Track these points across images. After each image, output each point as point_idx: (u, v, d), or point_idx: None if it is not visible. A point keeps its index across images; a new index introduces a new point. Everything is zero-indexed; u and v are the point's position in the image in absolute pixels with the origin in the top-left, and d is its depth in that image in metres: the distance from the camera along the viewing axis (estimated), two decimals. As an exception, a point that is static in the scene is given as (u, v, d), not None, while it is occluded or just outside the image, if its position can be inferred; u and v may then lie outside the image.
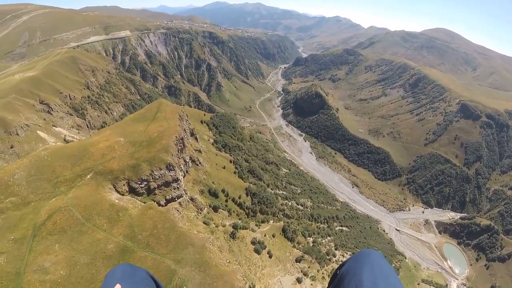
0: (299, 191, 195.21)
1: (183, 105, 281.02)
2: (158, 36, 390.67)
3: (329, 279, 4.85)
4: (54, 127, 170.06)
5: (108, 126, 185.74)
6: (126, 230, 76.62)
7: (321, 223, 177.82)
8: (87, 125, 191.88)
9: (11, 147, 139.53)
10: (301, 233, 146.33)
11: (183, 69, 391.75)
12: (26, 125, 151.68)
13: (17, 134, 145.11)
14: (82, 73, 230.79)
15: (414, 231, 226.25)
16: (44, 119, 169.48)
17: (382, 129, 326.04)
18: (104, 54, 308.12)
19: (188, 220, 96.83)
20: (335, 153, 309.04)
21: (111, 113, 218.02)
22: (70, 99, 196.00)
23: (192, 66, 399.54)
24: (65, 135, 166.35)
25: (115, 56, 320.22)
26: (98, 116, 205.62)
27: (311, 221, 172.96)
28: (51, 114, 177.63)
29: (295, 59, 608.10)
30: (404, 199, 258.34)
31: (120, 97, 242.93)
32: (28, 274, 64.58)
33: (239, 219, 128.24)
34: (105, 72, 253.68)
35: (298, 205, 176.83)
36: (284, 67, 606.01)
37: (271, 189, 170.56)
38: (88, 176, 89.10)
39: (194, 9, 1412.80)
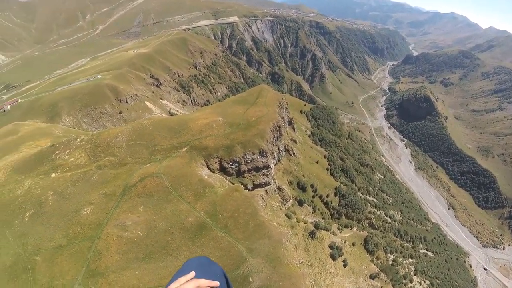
0: (390, 201, 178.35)
1: (285, 93, 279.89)
2: (265, 23, 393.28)
3: None
4: (161, 100, 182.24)
5: (211, 104, 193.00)
6: (208, 206, 75.92)
7: (406, 242, 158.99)
8: (191, 102, 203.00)
9: (120, 113, 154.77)
10: (383, 248, 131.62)
11: (288, 58, 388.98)
12: (136, 95, 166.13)
13: (127, 102, 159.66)
14: (191, 54, 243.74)
15: (502, 275, 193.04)
16: (153, 92, 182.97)
17: (493, 148, 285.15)
18: (213, 38, 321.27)
19: (271, 210, 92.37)
20: (437, 167, 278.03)
21: (214, 93, 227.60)
22: (178, 76, 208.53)
23: (297, 55, 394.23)
24: (170, 108, 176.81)
25: (223, 40, 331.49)
26: (203, 95, 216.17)
27: (396, 236, 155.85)
28: (159, 88, 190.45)
29: (405, 57, 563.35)
30: (501, 235, 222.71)
31: (224, 79, 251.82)
32: (109, 227, 69.06)
33: (322, 219, 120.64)
34: (213, 55, 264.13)
35: (386, 216, 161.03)
36: (393, 64, 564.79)
37: (362, 194, 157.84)
38: (184, 149, 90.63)
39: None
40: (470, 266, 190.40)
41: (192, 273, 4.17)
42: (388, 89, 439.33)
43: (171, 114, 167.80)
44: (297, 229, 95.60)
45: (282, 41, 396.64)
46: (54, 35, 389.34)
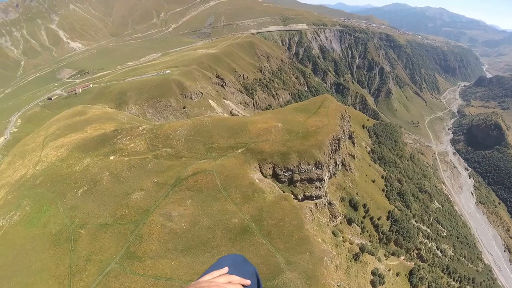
0: (444, 233, 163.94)
1: (348, 105, 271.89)
2: (333, 32, 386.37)
3: None
4: (224, 100, 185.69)
5: (272, 109, 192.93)
6: (255, 211, 74.34)
7: (454, 280, 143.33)
8: (253, 104, 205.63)
9: (183, 108, 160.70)
10: (428, 283, 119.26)
11: (354, 69, 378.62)
12: (200, 92, 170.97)
13: (191, 98, 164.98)
14: (257, 58, 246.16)
15: None
16: (217, 91, 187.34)
17: None
18: (280, 44, 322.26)
19: (318, 224, 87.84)
20: (499, 203, 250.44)
21: (277, 98, 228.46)
22: (243, 78, 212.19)
23: (364, 67, 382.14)
24: (232, 109, 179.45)
25: (290, 46, 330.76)
26: (265, 99, 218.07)
27: (444, 273, 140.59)
28: (224, 88, 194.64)
29: (478, 78, 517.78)
30: None
31: (288, 85, 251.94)
32: (154, 215, 70.44)
33: (370, 242, 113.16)
34: (279, 60, 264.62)
35: (437, 249, 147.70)
36: (464, 85, 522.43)
37: (415, 221, 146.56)
38: (239, 151, 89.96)
39: (372, 9, 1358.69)
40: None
41: (226, 269, 4.25)
42: (457, 111, 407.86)
43: (232, 115, 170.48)
44: (342, 248, 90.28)
45: (349, 51, 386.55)
46: (129, 30, 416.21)
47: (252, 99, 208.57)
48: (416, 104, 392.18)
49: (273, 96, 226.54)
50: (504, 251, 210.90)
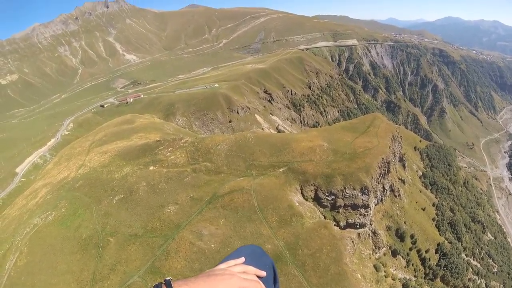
0: (495, 269, 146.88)
1: (399, 125, 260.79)
2: (385, 48, 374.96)
3: None
4: (271, 115, 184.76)
5: (320, 126, 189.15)
6: (290, 237, 69.72)
7: None
8: (300, 121, 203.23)
9: (230, 121, 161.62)
10: None
11: (407, 86, 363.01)
12: (247, 107, 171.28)
13: (237, 113, 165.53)
14: (306, 73, 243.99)
15: None
16: (264, 106, 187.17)
17: None
18: (330, 60, 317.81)
19: (359, 257, 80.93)
20: None
21: (325, 115, 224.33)
22: (291, 94, 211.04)
23: (417, 85, 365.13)
24: (278, 124, 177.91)
25: (340, 62, 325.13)
26: (313, 115, 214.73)
27: None
28: (271, 103, 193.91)
29: None
30: None
31: (337, 102, 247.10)
32: (185, 231, 68.32)
33: (414, 277, 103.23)
34: (328, 76, 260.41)
35: (487, 287, 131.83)
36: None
37: (466, 255, 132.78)
38: (281, 170, 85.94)
39: (424, 24, 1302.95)
40: None
41: (242, 259, 4.28)
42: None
43: (279, 130, 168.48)
44: (383, 285, 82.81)
45: (401, 68, 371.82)
46: (182, 44, 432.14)
47: (300, 115, 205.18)
48: (471, 124, 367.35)
49: (321, 113, 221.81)
50: None
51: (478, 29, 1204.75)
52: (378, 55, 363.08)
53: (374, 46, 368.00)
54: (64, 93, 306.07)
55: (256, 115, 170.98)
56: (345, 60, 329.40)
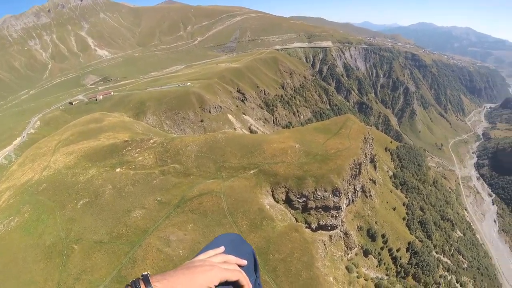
0: (465, 265, 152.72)
1: (371, 126, 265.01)
2: (359, 50, 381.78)
3: None
4: (243, 115, 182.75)
5: (293, 127, 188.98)
6: (261, 242, 68.31)
7: None
8: (273, 121, 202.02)
9: (201, 121, 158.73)
10: None
11: (379, 88, 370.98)
12: (220, 106, 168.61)
13: (210, 112, 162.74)
14: (280, 74, 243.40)
15: None
16: (237, 106, 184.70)
17: None
18: (304, 60, 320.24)
19: (331, 260, 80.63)
20: None
21: (298, 115, 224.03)
22: (265, 94, 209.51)
23: (389, 87, 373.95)
24: (251, 124, 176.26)
25: (314, 64, 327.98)
26: (286, 116, 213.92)
27: None
28: (244, 103, 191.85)
29: (504, 100, 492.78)
30: None
31: (310, 103, 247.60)
32: (152, 238, 65.33)
33: (386, 275, 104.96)
34: (302, 77, 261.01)
35: (457, 283, 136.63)
36: (490, 107, 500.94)
37: (436, 253, 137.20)
38: (252, 172, 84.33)
39: (398, 28, 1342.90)
40: None
41: (222, 248, 4.18)
42: (482, 134, 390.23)
43: (251, 130, 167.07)
44: (356, 286, 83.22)
45: (374, 70, 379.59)
46: (156, 41, 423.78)
47: (272, 115, 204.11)
48: (441, 126, 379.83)
49: (294, 113, 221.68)
50: None
51: (450, 35, 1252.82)
52: (351, 57, 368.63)
53: (348, 48, 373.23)
54: (32, 89, 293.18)
55: (228, 114, 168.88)
56: (319, 62, 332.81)
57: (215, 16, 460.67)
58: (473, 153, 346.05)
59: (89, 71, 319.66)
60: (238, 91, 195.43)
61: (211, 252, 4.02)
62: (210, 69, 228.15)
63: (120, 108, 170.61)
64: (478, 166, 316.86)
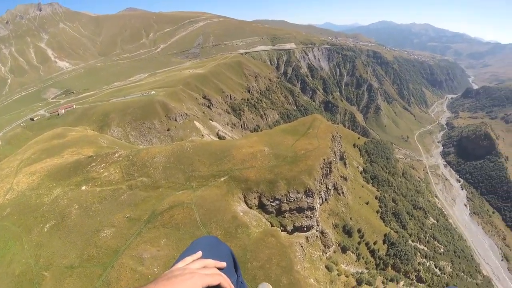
0: (442, 250, 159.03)
1: (338, 123, 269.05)
2: (321, 51, 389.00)
3: None
4: (210, 121, 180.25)
5: (261, 130, 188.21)
6: (238, 251, 66.35)
7: None
8: (241, 125, 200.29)
9: (168, 130, 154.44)
10: None
11: (343, 87, 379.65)
12: (186, 114, 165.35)
13: (176, 120, 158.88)
14: (245, 77, 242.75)
15: None
16: (203, 112, 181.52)
17: None
18: (269, 63, 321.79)
19: (310, 261, 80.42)
20: (493, 212, 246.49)
21: (265, 118, 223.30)
22: (231, 99, 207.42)
23: (353, 85, 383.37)
24: (218, 130, 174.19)
25: (279, 66, 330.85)
26: (253, 119, 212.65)
27: None
28: (211, 109, 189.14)
29: (465, 90, 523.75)
30: None
31: (277, 105, 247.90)
32: (124, 257, 62.42)
33: (366, 269, 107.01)
34: (267, 80, 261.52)
35: (436, 267, 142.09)
36: (451, 98, 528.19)
37: (412, 241, 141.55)
38: (222, 179, 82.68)
39: (359, 28, 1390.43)
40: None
41: (199, 253, 4.12)
42: (446, 124, 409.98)
43: (219, 136, 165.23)
44: (337, 284, 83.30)
45: (338, 69, 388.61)
46: (118, 49, 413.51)
47: (240, 119, 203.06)
48: (405, 119, 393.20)
49: (261, 117, 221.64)
50: (502, 260, 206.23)
51: (409, 32, 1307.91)
52: (315, 58, 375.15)
53: (312, 49, 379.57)
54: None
55: (195, 121, 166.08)
56: (284, 64, 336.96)
57: (178, 22, 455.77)
58: (438, 142, 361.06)
59: (49, 84, 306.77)
60: (204, 97, 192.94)
61: (189, 259, 3.91)
62: (174, 76, 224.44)
63: (84, 121, 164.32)
64: (444, 154, 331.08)
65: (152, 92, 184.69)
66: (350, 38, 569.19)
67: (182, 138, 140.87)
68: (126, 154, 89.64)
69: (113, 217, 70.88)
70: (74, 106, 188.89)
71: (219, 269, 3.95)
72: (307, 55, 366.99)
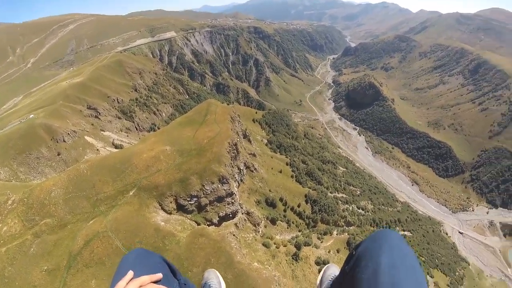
0: (358, 192, 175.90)
1: (233, 102, 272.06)
2: (203, 34, 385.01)
3: (345, 259, 4.32)
4: (102, 132, 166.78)
5: (158, 127, 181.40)
6: (173, 262, 60.57)
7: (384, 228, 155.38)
8: (136, 128, 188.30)
9: (58, 154, 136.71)
10: None
11: (231, 66, 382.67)
12: (74, 131, 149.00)
13: (64, 141, 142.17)
14: (129, 76, 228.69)
15: (478, 234, 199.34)
16: (92, 124, 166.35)
17: (442, 120, 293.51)
18: (151, 56, 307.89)
19: (246, 245, 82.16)
20: (393, 148, 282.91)
21: (160, 114, 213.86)
22: (118, 102, 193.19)
23: (240, 63, 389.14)
24: (113, 139, 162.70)
25: (162, 57, 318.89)
26: (147, 118, 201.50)
27: (373, 226, 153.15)
28: (99, 118, 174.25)
29: (344, 49, 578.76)
30: (467, 198, 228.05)
31: (168, 98, 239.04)
32: None
33: (299, 231, 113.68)
34: (152, 74, 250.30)
35: (359, 209, 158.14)
36: (333, 58, 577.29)
37: (331, 193, 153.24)
38: (131, 193, 77.83)
39: (237, 6, 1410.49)
40: (447, 234, 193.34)
41: (131, 273, 3.90)
42: (333, 82, 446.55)
43: (116, 146, 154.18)
44: (279, 257, 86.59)
45: (222, 50, 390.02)
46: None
47: (133, 122, 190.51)
48: (295, 85, 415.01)
49: (155, 113, 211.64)
50: (412, 185, 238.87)
51: (286, 4, 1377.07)
52: (198, 43, 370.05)
53: (193, 34, 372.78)
54: None
55: (86, 137, 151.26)
56: (167, 54, 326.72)
57: (46, 29, 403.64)
58: (329, 99, 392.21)
59: None
60: (89, 107, 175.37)
61: (122, 284, 3.75)
62: (51, 92, 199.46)
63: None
64: (336, 109, 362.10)
65: (31, 116, 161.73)
66: (230, 18, 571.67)
67: (76, 160, 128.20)
68: (19, 198, 77.56)
69: (31, 275, 61.44)
70: None
71: (157, 281, 3.85)
72: (190, 41, 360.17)
